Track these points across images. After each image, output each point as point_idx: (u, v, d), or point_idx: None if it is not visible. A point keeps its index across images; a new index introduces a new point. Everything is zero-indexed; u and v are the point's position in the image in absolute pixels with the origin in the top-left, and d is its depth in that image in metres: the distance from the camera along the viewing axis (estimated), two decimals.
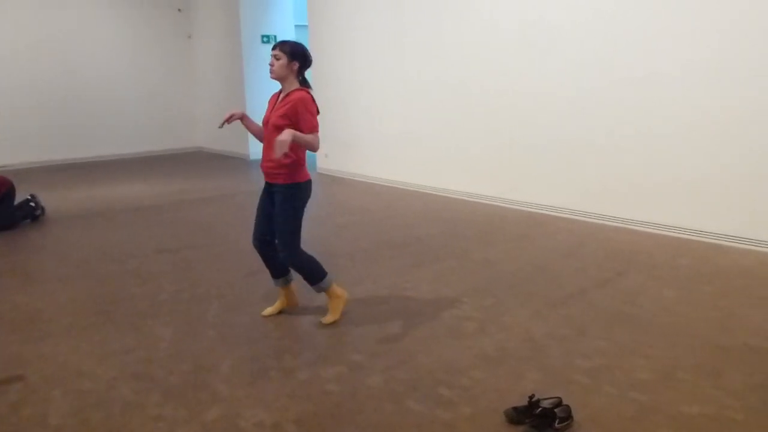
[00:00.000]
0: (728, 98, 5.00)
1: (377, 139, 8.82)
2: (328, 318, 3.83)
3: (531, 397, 2.67)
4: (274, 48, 3.65)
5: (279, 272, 3.93)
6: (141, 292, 4.51)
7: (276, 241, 3.73)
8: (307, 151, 3.71)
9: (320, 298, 4.12)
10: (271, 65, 3.64)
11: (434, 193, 7.84)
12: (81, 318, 4.05)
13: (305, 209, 3.73)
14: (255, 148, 11.44)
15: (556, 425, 2.55)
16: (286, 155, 3.47)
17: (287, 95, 3.64)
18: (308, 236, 5.91)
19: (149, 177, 10.05)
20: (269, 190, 3.75)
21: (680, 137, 5.35)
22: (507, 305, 4.02)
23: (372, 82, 8.73)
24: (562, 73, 6.19)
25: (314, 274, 3.76)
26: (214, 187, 8.85)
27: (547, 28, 6.26)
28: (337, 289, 3.87)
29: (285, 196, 3.63)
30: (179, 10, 12.96)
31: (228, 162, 11.57)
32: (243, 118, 3.78)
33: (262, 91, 10.30)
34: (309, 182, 3.73)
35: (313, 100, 3.65)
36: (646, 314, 3.80)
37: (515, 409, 2.67)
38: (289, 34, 11.76)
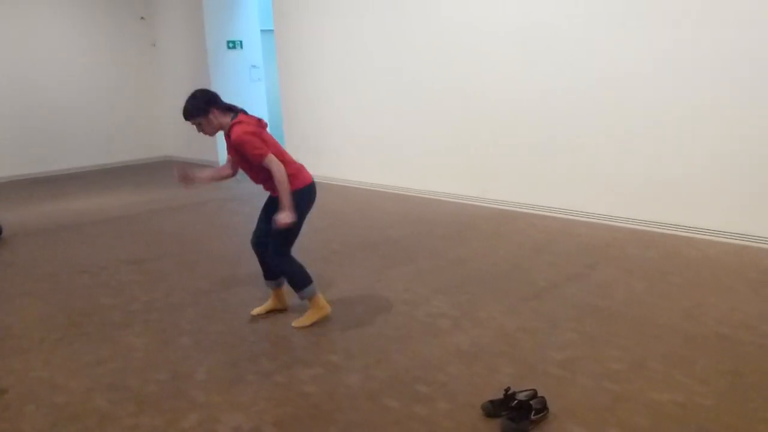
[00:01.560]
0: (696, 96, 5.10)
1: (348, 141, 8.83)
2: (299, 321, 3.82)
3: (507, 390, 2.70)
4: (188, 121, 3.62)
5: (272, 274, 3.96)
6: (113, 303, 4.47)
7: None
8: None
9: (300, 304, 4.12)
10: (203, 132, 3.64)
11: (406, 194, 7.87)
12: (52, 332, 4.00)
13: (307, 216, 3.80)
14: (224, 155, 11.37)
15: (533, 417, 2.58)
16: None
17: (229, 134, 3.60)
18: None
19: (117, 188, 9.94)
20: (273, 198, 3.80)
21: (648, 134, 5.44)
22: (481, 302, 4.06)
23: (341, 84, 8.74)
24: (531, 73, 6.26)
25: (298, 281, 3.76)
26: (183, 196, 8.78)
27: (520, 29, 6.32)
28: (321, 301, 3.85)
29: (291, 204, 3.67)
30: (142, 18, 12.84)
31: (197, 170, 11.47)
32: (190, 178, 3.77)
33: (229, 98, 10.09)
34: (310, 185, 3.76)
35: (245, 131, 3.52)
36: (616, 306, 3.87)
37: (492, 402, 2.71)
38: (254, 39, 11.73)
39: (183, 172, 3.58)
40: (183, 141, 12.80)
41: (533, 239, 5.48)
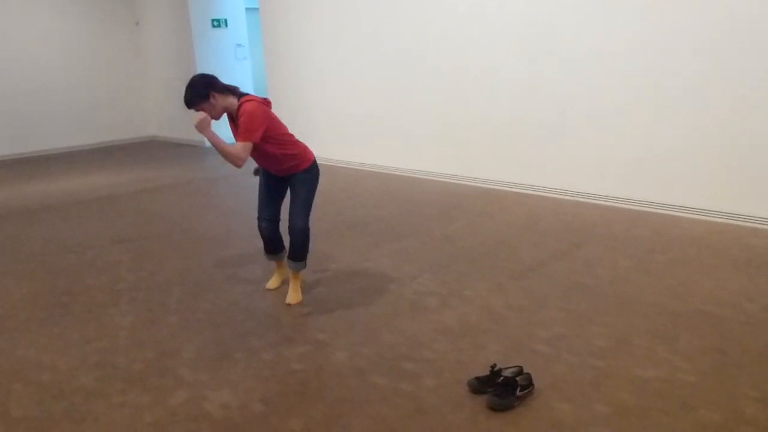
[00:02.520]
0: (682, 76, 5.12)
1: (334, 121, 8.80)
2: (292, 297, 3.88)
3: (493, 367, 2.72)
4: (190, 109, 3.56)
5: (278, 248, 4.09)
6: (99, 283, 4.45)
7: (289, 217, 3.81)
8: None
9: (283, 284, 4.14)
10: (209, 117, 3.60)
11: (393, 173, 7.87)
12: (38, 311, 3.98)
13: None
14: None
15: (518, 393, 2.60)
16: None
17: (238, 116, 3.58)
18: None
19: (102, 168, 9.87)
20: (283, 179, 3.88)
21: (634, 114, 5.46)
22: (468, 280, 4.08)
23: (327, 63, 8.68)
24: (518, 54, 6.25)
25: (304, 251, 3.86)
26: (169, 176, 8.73)
27: (507, 11, 6.30)
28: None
29: (306, 178, 3.79)
30: None
31: (182, 150, 11.41)
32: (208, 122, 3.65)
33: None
34: (315, 162, 3.89)
35: (255, 109, 3.52)
36: (602, 284, 3.90)
37: (478, 379, 2.73)
38: (239, 18, 11.62)
39: (206, 118, 3.54)
40: (168, 121, 12.72)
41: (520, 218, 5.50)
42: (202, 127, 3.43)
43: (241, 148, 3.46)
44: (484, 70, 6.59)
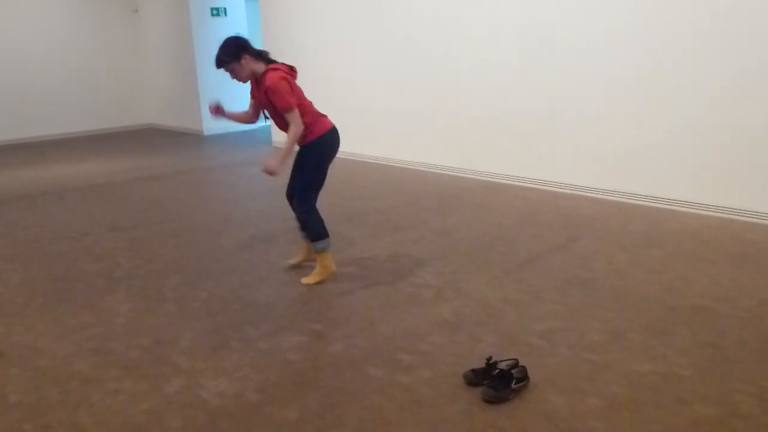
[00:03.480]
0: (671, 68, 5.11)
1: (333, 111, 8.75)
2: (308, 279, 3.97)
3: (488, 360, 2.73)
4: (220, 68, 3.70)
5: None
6: (96, 270, 4.45)
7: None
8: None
9: (280, 273, 4.15)
10: (236, 79, 3.72)
11: (392, 165, 7.86)
12: (35, 297, 3.98)
13: (328, 164, 3.97)
14: (208, 124, 11.29)
15: (513, 386, 2.61)
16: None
17: (262, 82, 3.68)
18: (269, 208, 5.90)
19: (100, 155, 9.84)
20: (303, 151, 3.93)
21: (629, 106, 5.45)
22: (464, 272, 4.09)
23: (326, 52, 8.65)
24: (514, 47, 6.23)
25: (315, 232, 3.91)
26: (167, 164, 8.72)
27: (498, 4, 6.30)
28: (328, 260, 3.98)
29: (308, 153, 3.84)
30: None
31: (181, 138, 11.38)
32: (221, 111, 3.87)
33: (212, 66, 10.13)
34: (331, 132, 3.91)
35: (280, 77, 3.63)
36: (598, 278, 3.90)
37: (473, 371, 2.73)
38: (239, 7, 11.58)
39: (216, 103, 3.85)
40: (166, 109, 12.68)
41: (517, 211, 5.50)
42: (281, 168, 3.58)
43: (291, 122, 3.62)
44: (484, 64, 6.57)
